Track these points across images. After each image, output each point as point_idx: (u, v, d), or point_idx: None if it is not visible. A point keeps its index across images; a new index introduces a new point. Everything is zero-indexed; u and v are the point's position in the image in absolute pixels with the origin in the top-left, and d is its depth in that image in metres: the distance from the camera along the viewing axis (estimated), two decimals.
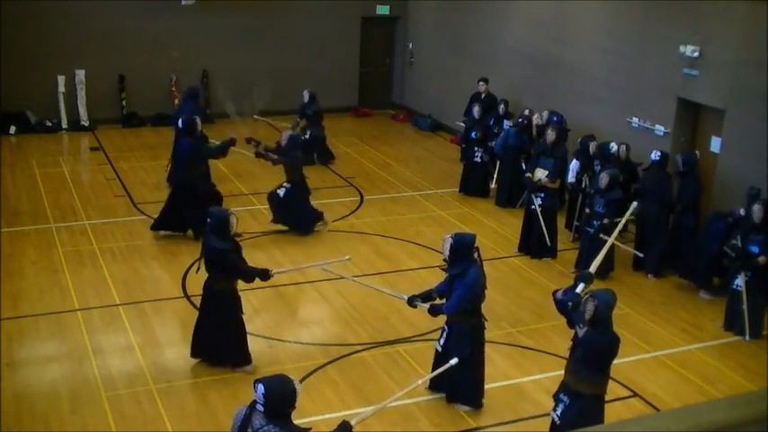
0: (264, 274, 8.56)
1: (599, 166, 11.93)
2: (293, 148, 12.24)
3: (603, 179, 11.09)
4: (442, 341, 8.05)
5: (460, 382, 7.98)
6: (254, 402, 5.34)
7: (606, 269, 11.24)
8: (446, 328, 8.05)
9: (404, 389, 7.03)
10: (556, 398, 7.10)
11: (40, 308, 9.78)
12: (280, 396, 5.32)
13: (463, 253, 7.81)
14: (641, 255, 11.28)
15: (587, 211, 11.44)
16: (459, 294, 7.78)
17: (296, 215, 12.17)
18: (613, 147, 12.20)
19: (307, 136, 14.93)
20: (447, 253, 7.86)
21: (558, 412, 6.99)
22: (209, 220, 8.43)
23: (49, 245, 11.54)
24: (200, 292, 10.17)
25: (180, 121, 12.00)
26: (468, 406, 8.14)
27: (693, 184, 11.20)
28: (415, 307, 8.20)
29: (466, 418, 8.06)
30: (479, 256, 7.97)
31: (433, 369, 8.04)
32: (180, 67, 17.74)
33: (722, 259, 10.52)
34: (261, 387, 5.32)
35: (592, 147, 12.26)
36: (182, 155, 12.10)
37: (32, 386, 8.28)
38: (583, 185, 12.25)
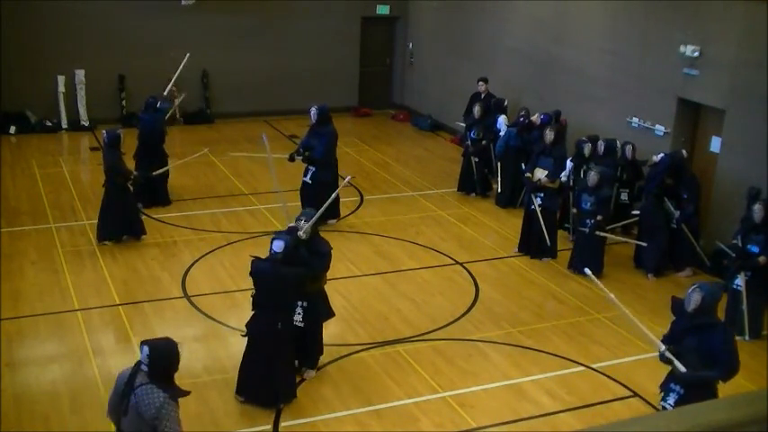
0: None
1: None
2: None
3: (593, 177, 11.07)
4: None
5: (308, 349, 8.60)
6: (139, 363, 5.51)
7: (597, 267, 11.17)
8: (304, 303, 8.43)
9: None
10: (664, 388, 7.12)
11: (40, 308, 9.78)
12: (163, 358, 5.48)
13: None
14: (644, 244, 11.25)
15: (574, 210, 11.43)
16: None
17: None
18: (602, 146, 12.21)
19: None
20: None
21: (671, 401, 7.01)
22: (276, 251, 7.87)
23: (49, 245, 11.54)
24: (200, 293, 10.22)
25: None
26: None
27: (694, 183, 11.22)
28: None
29: (466, 418, 8.06)
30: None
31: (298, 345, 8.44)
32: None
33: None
34: (146, 349, 5.48)
35: (586, 149, 12.21)
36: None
37: (32, 386, 8.28)
38: (571, 183, 12.19)
